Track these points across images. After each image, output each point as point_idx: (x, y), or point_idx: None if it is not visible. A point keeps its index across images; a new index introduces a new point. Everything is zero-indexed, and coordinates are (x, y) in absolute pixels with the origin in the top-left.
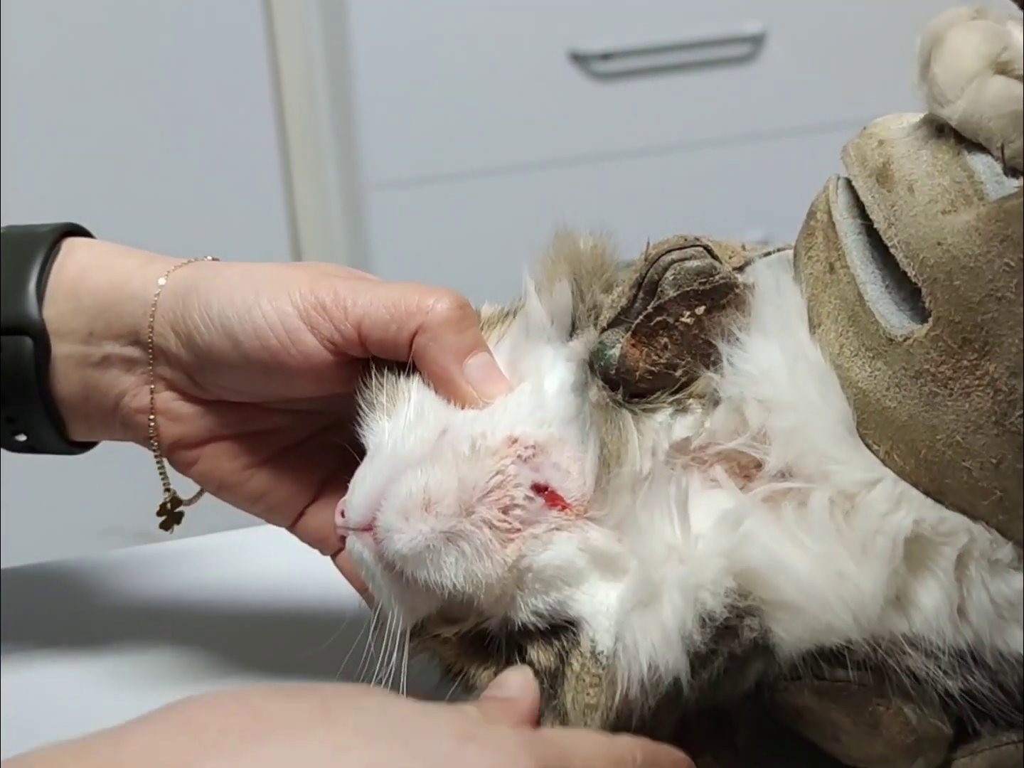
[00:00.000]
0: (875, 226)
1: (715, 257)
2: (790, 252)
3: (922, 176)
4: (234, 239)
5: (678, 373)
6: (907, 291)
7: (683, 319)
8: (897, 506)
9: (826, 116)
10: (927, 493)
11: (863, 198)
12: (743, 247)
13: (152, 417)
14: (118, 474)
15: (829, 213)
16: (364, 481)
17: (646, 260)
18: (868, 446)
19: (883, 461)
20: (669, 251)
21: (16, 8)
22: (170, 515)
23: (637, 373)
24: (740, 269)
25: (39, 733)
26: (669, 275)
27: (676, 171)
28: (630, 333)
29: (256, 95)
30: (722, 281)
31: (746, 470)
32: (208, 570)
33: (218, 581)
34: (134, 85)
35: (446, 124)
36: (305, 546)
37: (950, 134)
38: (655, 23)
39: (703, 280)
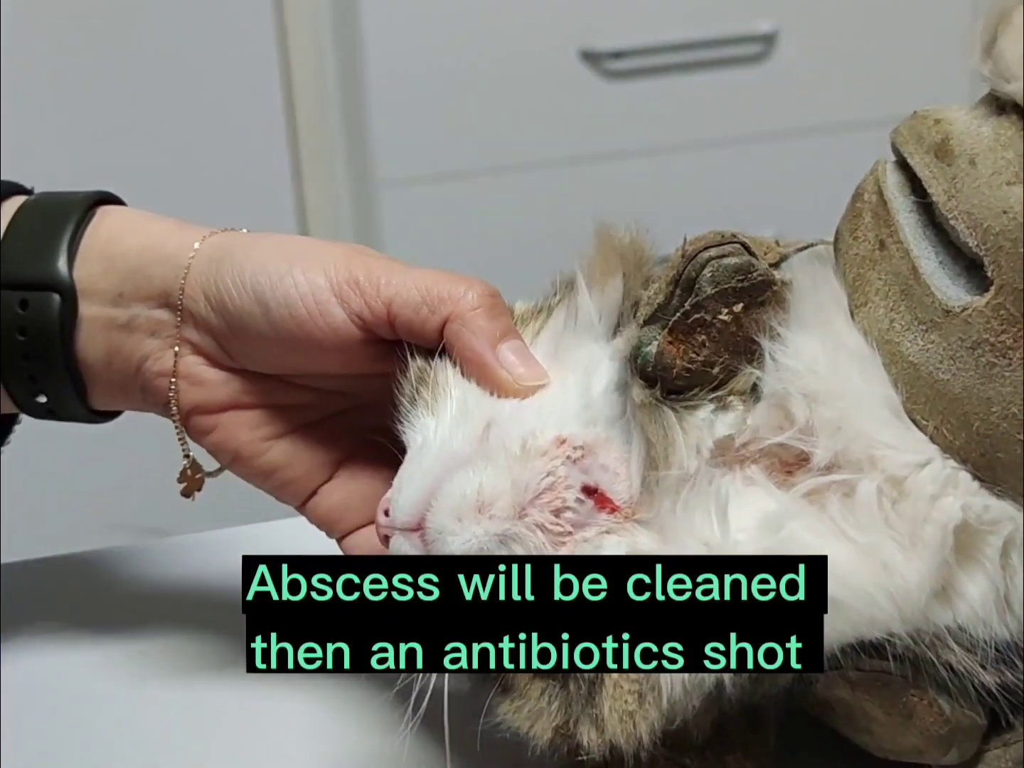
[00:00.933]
0: (933, 199)
1: (752, 254)
2: (823, 247)
3: (984, 150)
4: None
5: (715, 371)
6: (961, 266)
7: (721, 316)
8: (944, 490)
9: (838, 115)
10: (976, 468)
11: (920, 173)
12: (777, 243)
13: (173, 381)
14: (120, 472)
15: (879, 193)
16: (412, 479)
17: (683, 256)
18: (916, 422)
19: (931, 437)
20: (706, 248)
21: None
22: (191, 480)
23: (674, 371)
24: (776, 265)
25: (40, 729)
26: (707, 272)
27: (687, 170)
28: (667, 330)
29: (266, 91)
30: (760, 278)
31: (788, 465)
32: (211, 565)
33: (221, 576)
34: (143, 80)
35: (457, 121)
36: (308, 542)
37: (1012, 112)
38: (667, 21)
39: (741, 277)
